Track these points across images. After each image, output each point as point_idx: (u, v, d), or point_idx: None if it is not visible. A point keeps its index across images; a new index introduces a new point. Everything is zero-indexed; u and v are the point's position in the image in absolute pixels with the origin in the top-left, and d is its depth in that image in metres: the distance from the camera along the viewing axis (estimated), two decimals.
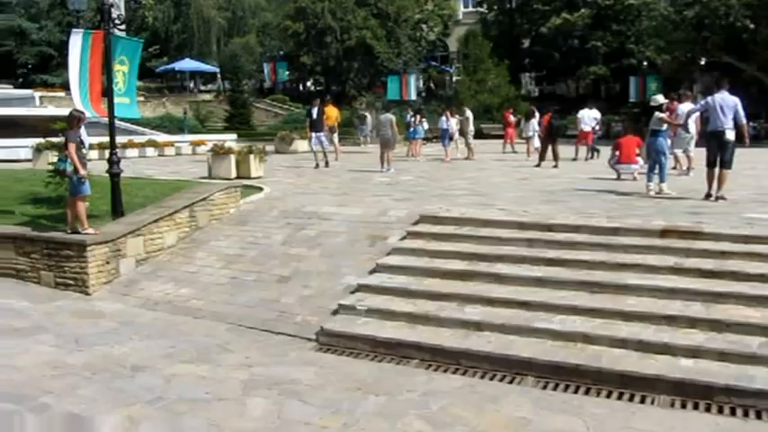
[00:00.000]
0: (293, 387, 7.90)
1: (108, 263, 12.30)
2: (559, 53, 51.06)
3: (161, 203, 14.42)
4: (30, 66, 70.21)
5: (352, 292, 10.64)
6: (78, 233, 12.30)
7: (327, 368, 8.57)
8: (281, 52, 62.90)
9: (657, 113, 15.35)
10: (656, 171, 15.23)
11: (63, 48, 65.12)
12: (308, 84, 63.66)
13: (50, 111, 37.59)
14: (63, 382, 8.08)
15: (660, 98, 16.24)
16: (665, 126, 15.39)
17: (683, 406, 7.46)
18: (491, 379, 8.29)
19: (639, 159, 18.67)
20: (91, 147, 19.75)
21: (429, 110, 38.60)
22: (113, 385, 7.97)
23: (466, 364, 8.63)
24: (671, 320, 8.81)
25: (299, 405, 7.40)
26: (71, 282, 12.14)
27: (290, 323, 10.10)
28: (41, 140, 22.69)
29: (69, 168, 12.16)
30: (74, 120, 12.35)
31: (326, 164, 23.51)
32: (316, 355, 9.13)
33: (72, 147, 12.07)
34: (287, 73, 61.45)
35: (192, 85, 71.21)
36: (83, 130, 12.44)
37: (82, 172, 12.05)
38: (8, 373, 8.31)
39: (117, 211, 13.59)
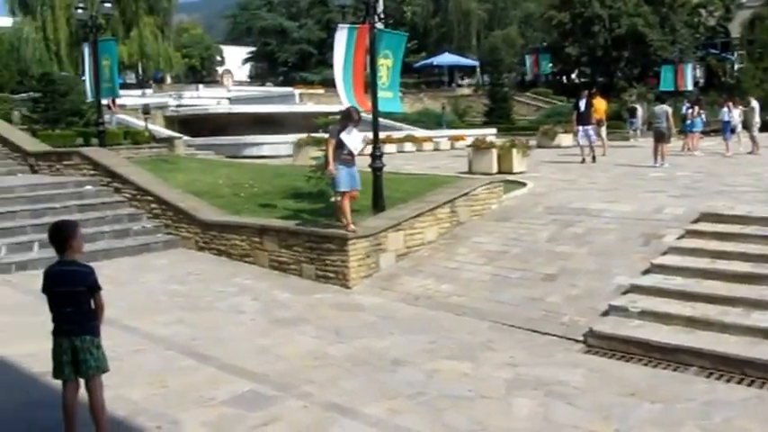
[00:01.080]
0: (560, 389, 7.81)
1: (368, 257, 12.78)
2: None
3: (421, 198, 14.78)
4: (290, 64, 74.71)
5: (624, 293, 10.36)
6: (338, 227, 12.88)
7: (597, 371, 8.40)
8: (544, 43, 62.67)
9: None
10: None
11: (322, 45, 68.83)
12: (573, 76, 62.88)
13: (309, 107, 39.89)
14: (324, 372, 8.50)
15: None
16: None
17: None
18: None
19: None
20: None
21: (708, 101, 36.88)
22: (374, 378, 8.28)
23: (752, 374, 8.12)
24: None
25: (566, 408, 7.32)
26: (332, 275, 12.75)
27: (556, 323, 10.00)
28: (302, 136, 24.01)
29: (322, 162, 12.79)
30: (344, 116, 12.68)
31: (593, 158, 23.13)
32: (584, 357, 8.97)
33: (330, 142, 12.43)
34: (550, 65, 61.10)
35: (449, 79, 72.53)
36: (354, 131, 12.53)
37: (330, 167, 12.35)
38: (273, 361, 8.87)
39: (378, 205, 14.11)
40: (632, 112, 35.53)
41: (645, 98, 40.64)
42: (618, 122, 36.72)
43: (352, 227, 12.68)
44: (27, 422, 7.13)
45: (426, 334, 9.90)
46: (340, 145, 12.32)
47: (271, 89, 57.74)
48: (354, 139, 12.47)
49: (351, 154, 12.44)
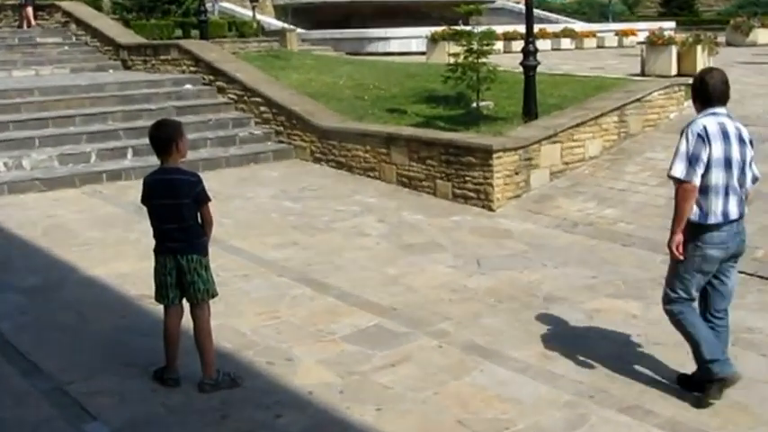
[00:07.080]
0: (750, 337, 7.66)
1: (517, 174, 12.69)
2: None
3: (582, 105, 14.56)
4: None
5: None
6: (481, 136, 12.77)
7: None
8: None
9: None
10: None
11: None
12: None
13: None
14: (463, 308, 8.56)
15: None
16: None
17: None
18: None
19: None
20: (496, 37, 20.44)
21: None
22: (523, 317, 8.27)
23: None
24: None
25: (757, 360, 7.19)
26: (471, 194, 12.73)
27: (747, 259, 9.66)
28: (438, 29, 23.87)
29: None
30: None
31: None
32: None
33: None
34: None
35: None
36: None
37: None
38: (404, 294, 8.98)
39: (530, 112, 13.92)
40: None
41: None
42: None
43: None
44: (123, 350, 7.39)
45: (586, 267, 9.84)
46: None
47: None
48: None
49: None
